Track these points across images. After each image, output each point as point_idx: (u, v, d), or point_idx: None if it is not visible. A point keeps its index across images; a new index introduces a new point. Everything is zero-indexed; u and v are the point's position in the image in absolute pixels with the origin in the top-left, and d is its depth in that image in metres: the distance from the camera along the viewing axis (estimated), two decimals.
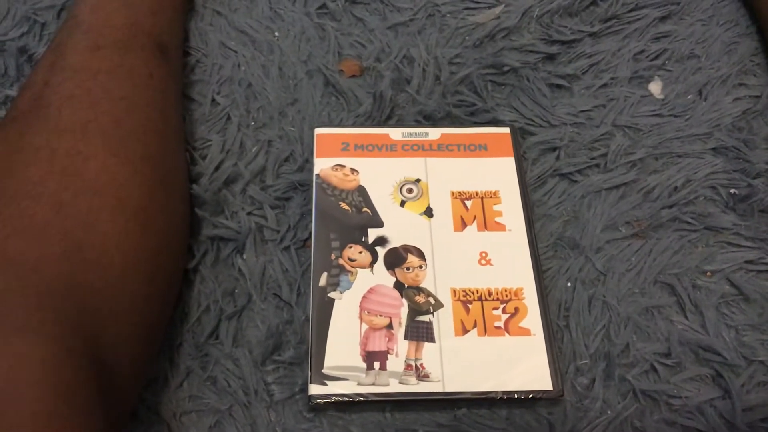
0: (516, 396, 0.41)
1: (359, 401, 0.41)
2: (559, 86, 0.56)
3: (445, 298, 0.45)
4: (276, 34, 0.58)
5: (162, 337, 0.43)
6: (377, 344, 0.43)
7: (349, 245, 0.46)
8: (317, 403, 0.41)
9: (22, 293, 0.33)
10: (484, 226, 0.47)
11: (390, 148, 0.51)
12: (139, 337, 0.38)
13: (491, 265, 0.46)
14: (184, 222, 0.45)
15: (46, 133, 0.39)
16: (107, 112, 0.41)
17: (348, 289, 0.45)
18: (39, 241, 0.35)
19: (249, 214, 0.49)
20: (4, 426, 0.28)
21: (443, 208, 0.48)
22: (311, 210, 0.48)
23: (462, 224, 0.48)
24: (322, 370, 0.42)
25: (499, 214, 0.48)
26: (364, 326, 0.44)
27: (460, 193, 0.49)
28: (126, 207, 0.39)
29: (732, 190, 0.51)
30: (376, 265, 0.46)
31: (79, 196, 0.38)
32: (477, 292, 0.45)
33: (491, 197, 0.49)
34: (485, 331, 0.44)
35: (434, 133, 0.51)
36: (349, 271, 0.45)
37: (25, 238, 0.35)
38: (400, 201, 0.48)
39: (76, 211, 0.37)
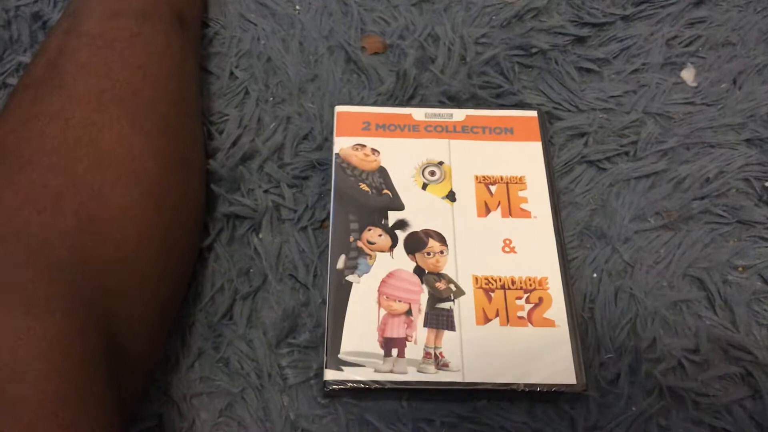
0: (538, 389, 0.40)
1: (376, 389, 0.40)
2: (588, 70, 0.54)
3: (466, 285, 0.43)
4: (297, 7, 0.56)
5: (175, 315, 0.41)
6: (396, 330, 0.42)
7: (369, 228, 0.45)
8: (332, 389, 0.40)
9: (32, 266, 0.32)
10: (509, 212, 0.46)
11: (412, 129, 0.49)
12: (152, 314, 0.37)
13: (515, 252, 0.44)
14: (200, 197, 0.44)
15: (60, 102, 0.38)
16: (124, 81, 0.40)
17: (366, 272, 0.43)
18: (51, 213, 0.34)
19: (266, 192, 0.47)
20: (9, 403, 0.27)
21: (467, 192, 0.47)
22: (329, 190, 0.47)
23: (486, 210, 0.46)
24: (339, 355, 0.41)
25: (525, 200, 0.46)
26: (383, 311, 0.42)
27: (484, 177, 0.47)
28: (141, 180, 0.37)
29: (766, 183, 0.49)
30: (395, 249, 0.44)
31: (94, 167, 0.36)
32: (500, 280, 0.43)
33: (516, 183, 0.47)
34: (508, 320, 0.42)
35: (459, 115, 0.50)
36: (368, 255, 0.44)
37: (37, 208, 0.34)
38: (422, 184, 0.47)
39: (90, 183, 0.36)
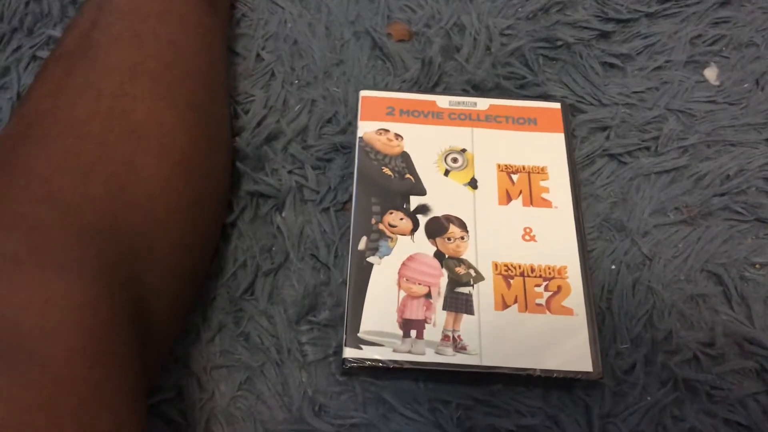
0: (554, 375, 0.40)
1: (393, 368, 0.40)
2: (612, 65, 0.54)
3: (486, 271, 0.44)
4: None
5: (199, 288, 0.42)
6: (415, 312, 0.42)
7: (390, 211, 0.45)
8: (351, 366, 0.40)
9: (64, 229, 0.32)
10: (530, 201, 0.46)
11: (436, 116, 0.49)
12: (177, 284, 0.37)
13: (535, 241, 0.45)
14: (226, 174, 0.44)
15: (92, 73, 0.38)
16: (155, 56, 0.40)
17: (387, 254, 0.44)
18: (83, 180, 0.34)
19: (290, 172, 0.48)
20: (39, 360, 0.28)
21: (488, 180, 0.47)
22: (352, 173, 0.47)
23: (507, 198, 0.46)
24: (358, 334, 0.41)
25: (546, 190, 0.47)
26: (402, 293, 0.43)
27: (506, 166, 0.48)
28: (171, 152, 0.38)
29: None
30: (416, 233, 0.45)
31: (125, 137, 0.37)
32: (519, 267, 0.44)
33: (538, 173, 0.47)
34: (526, 307, 0.42)
35: (483, 104, 0.50)
36: (389, 237, 0.44)
37: (69, 176, 0.34)
38: (444, 170, 0.47)
39: (122, 153, 0.36)
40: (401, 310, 0.42)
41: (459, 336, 0.41)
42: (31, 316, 0.28)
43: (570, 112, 0.51)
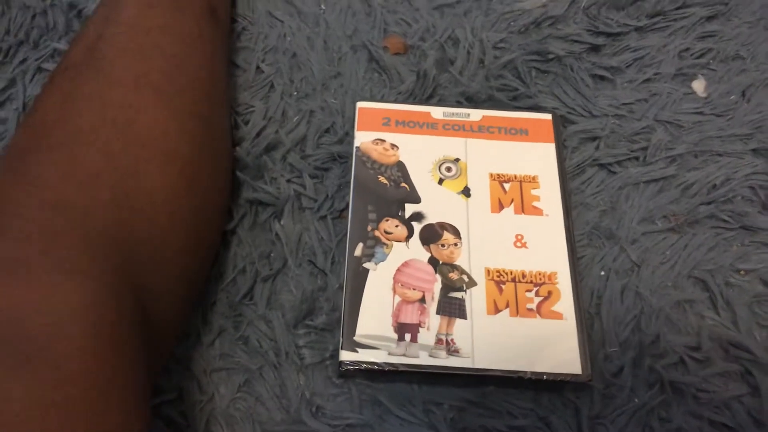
0: (545, 378, 0.41)
1: (389, 371, 0.41)
2: (602, 77, 0.55)
3: (478, 276, 0.45)
4: (322, 6, 0.58)
5: (200, 292, 0.43)
6: (409, 316, 0.43)
7: (386, 218, 0.47)
8: (347, 369, 0.41)
9: (71, 235, 0.33)
10: (521, 209, 0.48)
11: (431, 127, 0.51)
12: (178, 288, 0.38)
13: (526, 248, 0.46)
14: (227, 182, 0.46)
15: (98, 84, 0.40)
16: (158, 68, 0.42)
17: (383, 261, 0.45)
18: (89, 188, 0.36)
19: (288, 181, 0.49)
20: (50, 359, 0.29)
21: (481, 188, 0.48)
22: (349, 182, 0.49)
23: (499, 206, 0.48)
24: (354, 338, 0.42)
25: (537, 198, 0.48)
26: (397, 298, 0.44)
27: (498, 175, 0.49)
28: (174, 161, 0.39)
29: None
30: (411, 240, 0.46)
31: (129, 146, 0.38)
32: (511, 273, 0.45)
33: (530, 182, 0.49)
34: (517, 311, 0.44)
35: (476, 115, 0.52)
36: (385, 244, 0.46)
37: (76, 183, 0.36)
38: (438, 179, 0.49)
39: (126, 162, 0.37)
40: (396, 314, 0.43)
41: (452, 339, 0.43)
42: (42, 317, 0.30)
43: (561, 123, 0.53)
